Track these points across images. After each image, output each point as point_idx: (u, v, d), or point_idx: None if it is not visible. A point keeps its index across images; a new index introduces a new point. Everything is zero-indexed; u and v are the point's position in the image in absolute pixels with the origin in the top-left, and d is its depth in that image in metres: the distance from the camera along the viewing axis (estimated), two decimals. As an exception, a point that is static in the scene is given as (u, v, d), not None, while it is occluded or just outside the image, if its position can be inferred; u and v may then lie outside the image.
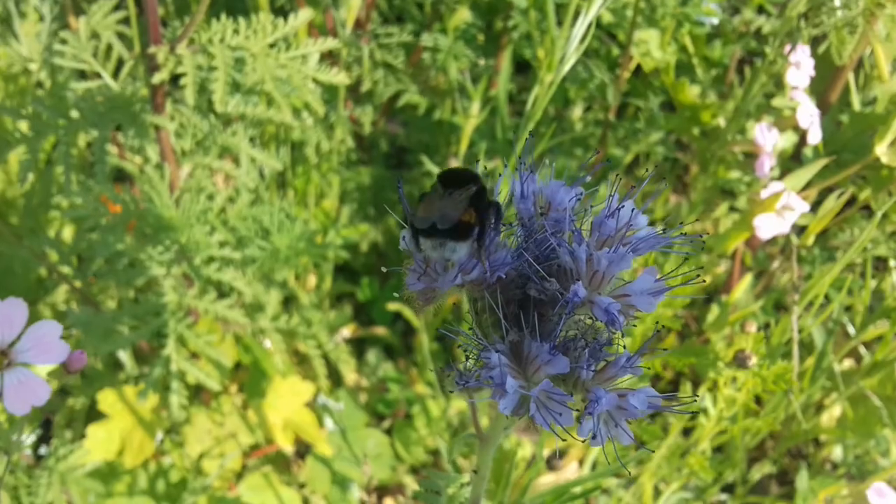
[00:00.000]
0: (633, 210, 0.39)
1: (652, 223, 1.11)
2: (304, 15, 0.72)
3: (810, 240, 0.75)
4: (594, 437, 0.35)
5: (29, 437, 0.92)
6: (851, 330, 0.94)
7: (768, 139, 0.81)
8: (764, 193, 0.73)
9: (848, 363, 1.14)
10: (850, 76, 1.08)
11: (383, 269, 1.14)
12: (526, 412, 0.35)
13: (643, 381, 0.77)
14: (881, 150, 0.75)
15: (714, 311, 0.96)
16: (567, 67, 0.63)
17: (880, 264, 1.28)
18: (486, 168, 0.91)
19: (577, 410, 0.36)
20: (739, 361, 0.59)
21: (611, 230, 0.38)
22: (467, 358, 0.38)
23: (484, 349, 0.36)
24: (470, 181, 0.37)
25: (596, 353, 0.37)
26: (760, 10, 1.10)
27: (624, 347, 0.39)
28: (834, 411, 1.07)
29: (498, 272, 0.36)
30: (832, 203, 0.74)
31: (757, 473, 1.01)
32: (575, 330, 0.38)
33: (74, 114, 0.79)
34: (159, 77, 0.70)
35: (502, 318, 0.36)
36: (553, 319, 0.37)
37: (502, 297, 0.37)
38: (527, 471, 0.99)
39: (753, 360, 0.59)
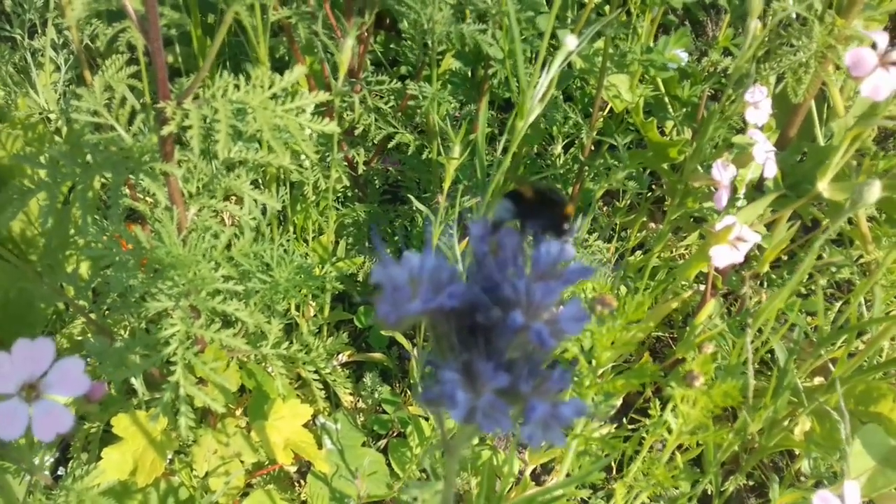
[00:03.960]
0: (562, 248, 0.46)
1: (627, 250, 1.17)
2: (298, 71, 0.80)
3: (765, 267, 0.82)
4: (531, 440, 0.41)
5: (48, 460, 0.99)
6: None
7: (725, 175, 0.88)
8: (717, 226, 0.80)
9: (819, 380, 1.20)
10: (814, 110, 1.16)
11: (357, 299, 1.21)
12: (474, 420, 0.41)
13: (615, 398, 0.84)
14: (822, 186, 0.82)
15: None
16: (533, 118, 0.70)
17: (846, 286, 1.35)
18: (462, 205, 0.98)
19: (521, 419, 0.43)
20: (688, 381, 0.66)
21: (546, 265, 0.45)
22: (428, 376, 0.45)
23: (440, 368, 0.43)
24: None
25: (534, 370, 0.44)
26: (727, 51, 1.18)
27: (558, 364, 0.46)
28: (805, 425, 1.13)
29: (453, 301, 0.42)
30: (783, 233, 0.81)
31: (731, 485, 1.07)
32: (519, 352, 0.45)
33: (90, 159, 0.86)
34: (168, 130, 0.78)
35: (456, 341, 0.43)
36: (497, 343, 0.44)
37: (456, 324, 0.44)
38: (515, 486, 1.05)
39: (700, 381, 0.65)
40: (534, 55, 1.09)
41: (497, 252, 0.47)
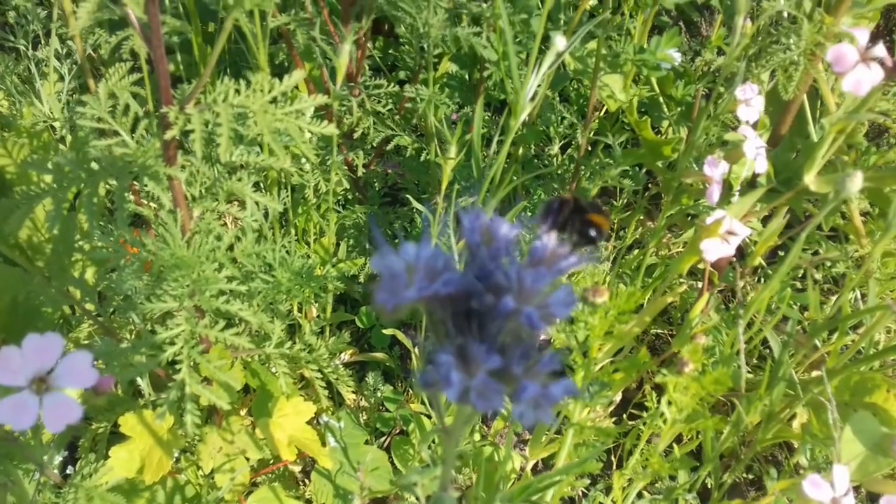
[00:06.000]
0: (559, 241, 0.48)
1: (623, 248, 1.19)
2: (297, 75, 0.82)
3: (756, 260, 0.84)
4: (522, 418, 0.43)
5: (56, 459, 1.00)
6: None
7: (716, 171, 0.90)
8: (708, 220, 0.82)
9: (817, 373, 1.22)
10: (807, 107, 1.18)
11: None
12: (468, 400, 0.43)
13: (616, 388, 0.85)
14: (809, 179, 0.84)
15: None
16: (525, 115, 0.72)
17: (842, 281, 1.37)
18: (459, 205, 1.00)
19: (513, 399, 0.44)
20: (678, 368, 0.68)
21: (540, 255, 0.47)
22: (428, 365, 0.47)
23: (436, 352, 0.44)
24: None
25: (527, 353, 0.45)
26: (720, 51, 1.20)
27: (556, 349, 0.47)
28: (803, 417, 1.14)
29: (447, 287, 0.44)
30: (774, 226, 0.83)
31: (730, 478, 1.08)
32: (512, 336, 0.47)
33: (95, 166, 0.88)
34: (170, 134, 0.80)
35: (451, 326, 0.45)
36: (490, 327, 0.46)
37: (452, 310, 0.45)
38: (517, 482, 1.07)
39: (689, 367, 0.67)
40: (528, 57, 1.10)
41: (490, 243, 0.49)
